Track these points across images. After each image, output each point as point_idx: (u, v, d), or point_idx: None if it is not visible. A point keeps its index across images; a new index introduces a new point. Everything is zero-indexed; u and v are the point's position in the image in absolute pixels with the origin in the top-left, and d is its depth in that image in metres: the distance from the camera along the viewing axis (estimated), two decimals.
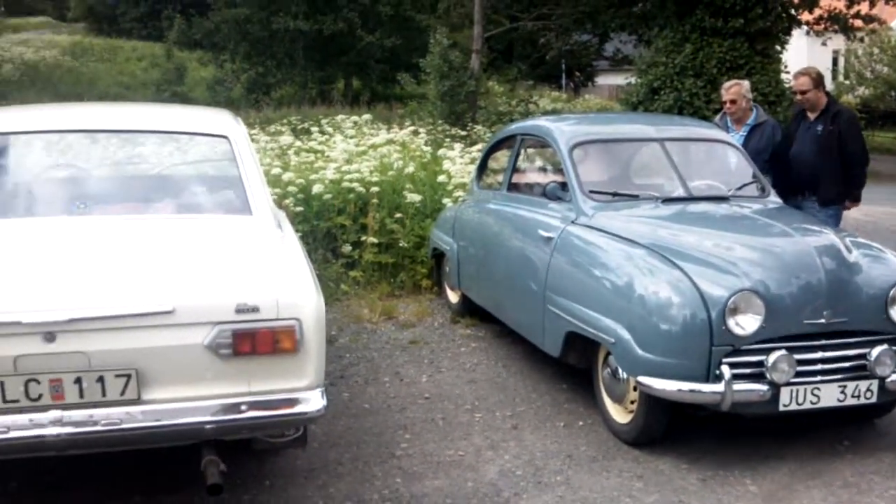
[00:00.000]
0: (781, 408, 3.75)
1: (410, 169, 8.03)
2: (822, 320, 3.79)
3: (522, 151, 5.54)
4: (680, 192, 4.74)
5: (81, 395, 2.92)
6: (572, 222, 4.60)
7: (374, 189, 7.33)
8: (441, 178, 7.71)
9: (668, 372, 3.73)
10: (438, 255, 6.78)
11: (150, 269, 3.19)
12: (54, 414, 2.89)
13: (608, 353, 4.19)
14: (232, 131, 4.17)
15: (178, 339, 2.96)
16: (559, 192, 4.82)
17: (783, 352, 3.70)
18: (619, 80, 32.65)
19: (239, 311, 2.98)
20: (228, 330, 2.97)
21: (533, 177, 5.53)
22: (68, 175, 4.04)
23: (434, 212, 7.45)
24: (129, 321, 2.91)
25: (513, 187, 5.52)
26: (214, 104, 26.11)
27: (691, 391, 3.70)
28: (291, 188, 7.23)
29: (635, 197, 4.73)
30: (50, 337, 2.85)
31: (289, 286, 3.10)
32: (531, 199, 5.17)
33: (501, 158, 6.00)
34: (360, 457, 4.00)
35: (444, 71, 20.69)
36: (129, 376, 2.94)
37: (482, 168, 6.27)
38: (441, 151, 8.74)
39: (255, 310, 3.00)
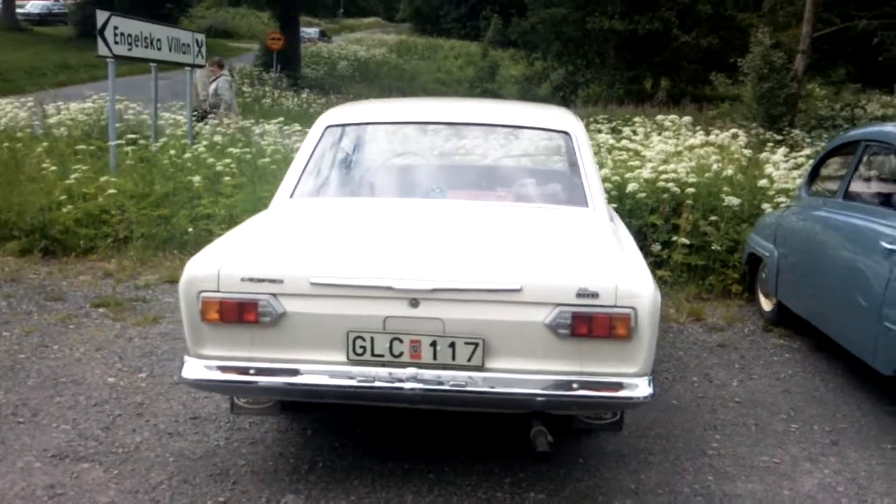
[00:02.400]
0: None
1: (729, 172, 7.86)
2: None
3: (865, 158, 5.22)
4: None
5: (435, 357, 3.23)
6: None
7: (690, 190, 7.27)
8: (762, 182, 7.47)
9: None
10: (753, 261, 6.59)
11: (501, 251, 3.51)
12: (412, 371, 3.23)
13: None
14: (573, 128, 4.38)
15: (522, 316, 3.19)
16: None
17: None
18: None
19: (580, 295, 3.15)
20: (568, 312, 3.14)
21: (876, 186, 5.19)
22: (426, 162, 4.50)
23: (752, 217, 7.24)
24: (482, 295, 3.18)
25: (850, 196, 5.22)
26: (522, 101, 27.06)
27: None
28: (606, 185, 7.38)
29: None
30: (414, 303, 3.19)
31: (628, 276, 3.23)
32: (871, 209, 4.86)
33: (837, 165, 5.70)
34: (670, 450, 4.06)
35: (764, 72, 19.80)
36: (476, 345, 3.21)
37: (814, 174, 5.99)
38: (763, 155, 8.45)
39: (594, 295, 3.15)
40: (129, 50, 9.06)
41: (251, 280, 3.25)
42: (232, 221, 7.65)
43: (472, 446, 3.99)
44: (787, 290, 5.77)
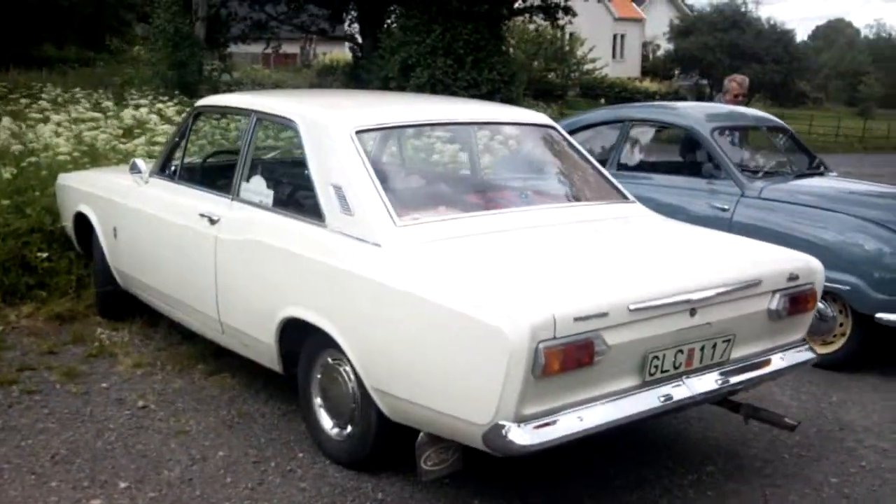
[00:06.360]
0: None
1: None
2: None
3: (631, 134, 6.31)
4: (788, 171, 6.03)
5: (701, 360, 3.38)
6: (743, 195, 5.60)
7: None
8: None
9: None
10: None
11: (704, 249, 3.74)
12: (692, 379, 3.33)
13: None
14: (553, 122, 4.52)
15: (756, 306, 3.52)
16: (713, 171, 5.78)
17: None
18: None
19: (790, 279, 3.61)
20: (785, 296, 3.58)
21: (658, 157, 6.34)
22: (473, 166, 4.14)
23: None
24: (738, 293, 3.39)
25: (622, 166, 6.26)
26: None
27: None
28: None
29: (776, 174, 5.88)
30: (693, 312, 3.25)
31: (800, 256, 3.79)
32: (671, 178, 6.01)
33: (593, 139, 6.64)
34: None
35: (177, 40, 19.69)
36: (729, 340, 3.44)
37: None
38: None
39: (796, 277, 3.64)
40: None
41: (584, 318, 2.92)
42: None
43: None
44: None
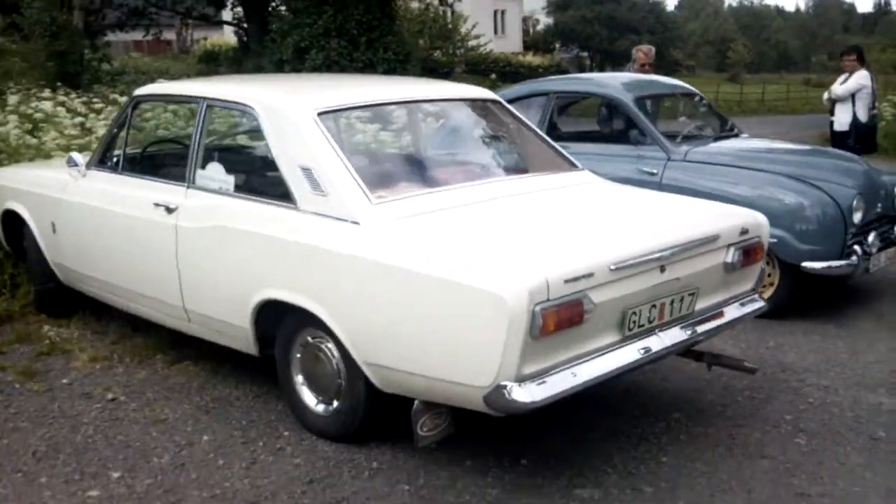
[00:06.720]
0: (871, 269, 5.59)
1: None
2: (879, 210, 5.73)
3: (555, 106, 6.50)
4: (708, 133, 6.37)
5: (671, 314, 3.60)
6: (670, 159, 5.88)
7: None
8: None
9: (821, 256, 5.33)
10: None
11: (663, 210, 3.95)
12: (666, 331, 3.56)
13: None
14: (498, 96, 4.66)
15: (714, 260, 3.75)
16: (639, 137, 6.04)
17: (874, 231, 5.55)
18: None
19: (741, 233, 3.87)
20: (739, 249, 3.83)
21: (582, 127, 6.58)
22: (429, 142, 4.24)
23: None
24: (699, 248, 3.61)
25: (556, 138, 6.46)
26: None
27: (837, 266, 5.35)
28: None
29: (696, 137, 6.19)
30: (662, 269, 3.46)
31: (745, 211, 4.04)
32: (598, 146, 6.22)
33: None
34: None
35: (54, 30, 18.89)
36: (693, 294, 3.67)
37: None
38: None
39: (746, 231, 3.90)
40: None
41: (573, 280, 3.09)
42: None
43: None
44: None
